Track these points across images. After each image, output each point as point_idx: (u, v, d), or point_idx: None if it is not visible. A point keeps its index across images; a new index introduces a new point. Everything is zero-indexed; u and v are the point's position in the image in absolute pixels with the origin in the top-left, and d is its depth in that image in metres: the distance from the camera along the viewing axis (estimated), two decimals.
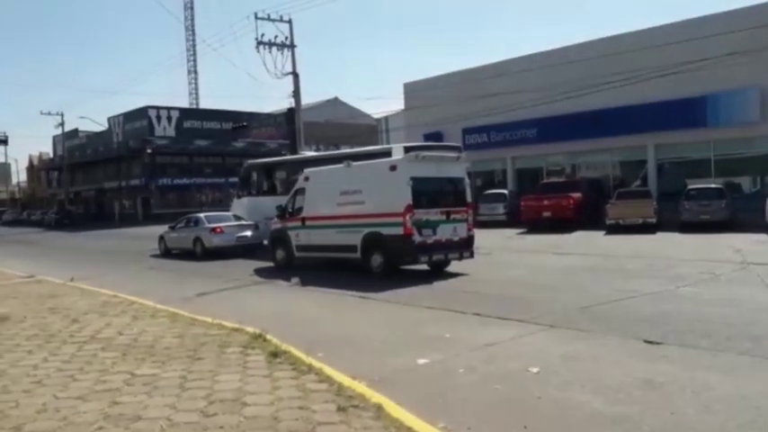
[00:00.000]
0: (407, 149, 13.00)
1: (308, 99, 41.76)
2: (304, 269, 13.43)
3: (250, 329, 6.83)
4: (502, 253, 15.08)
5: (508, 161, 30.08)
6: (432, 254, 11.57)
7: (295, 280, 11.50)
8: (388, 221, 11.51)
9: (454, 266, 12.60)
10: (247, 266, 14.60)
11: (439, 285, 10.56)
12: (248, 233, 17.71)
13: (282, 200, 14.59)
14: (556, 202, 21.44)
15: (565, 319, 7.17)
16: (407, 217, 11.15)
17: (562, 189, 22.22)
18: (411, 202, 11.25)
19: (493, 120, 28.66)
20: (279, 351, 5.81)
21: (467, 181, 12.50)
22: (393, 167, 11.65)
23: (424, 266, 12.24)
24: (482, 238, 15.43)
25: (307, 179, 13.61)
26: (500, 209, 24.63)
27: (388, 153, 13.41)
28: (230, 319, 7.39)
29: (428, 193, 11.77)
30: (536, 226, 21.73)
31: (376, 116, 52.05)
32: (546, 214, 21.52)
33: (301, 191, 13.75)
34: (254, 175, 19.71)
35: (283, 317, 8.20)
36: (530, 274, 11.46)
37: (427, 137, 29.21)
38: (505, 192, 26.11)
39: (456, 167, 12.32)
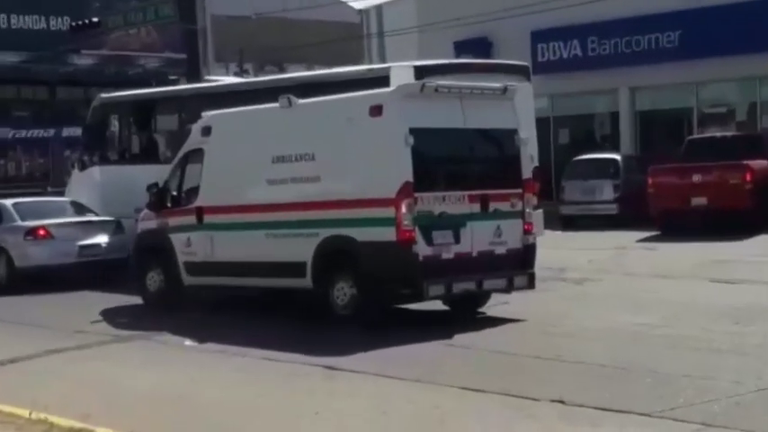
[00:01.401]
0: (419, 72, 12.10)
1: None
2: (208, 311, 12.35)
3: None
4: (607, 278, 13.78)
5: (622, 96, 25.67)
6: (452, 280, 10.11)
7: (190, 343, 10.50)
8: (365, 216, 10.25)
9: (497, 304, 11.11)
10: (100, 304, 13.10)
11: (468, 342, 9.74)
12: (101, 240, 15.97)
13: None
14: (717, 179, 19.05)
15: (731, 414, 6.67)
16: (404, 207, 9.89)
17: (729, 152, 19.56)
18: (411, 179, 9.91)
19: (590, 14, 24.14)
20: None
21: (524, 137, 10.87)
22: (376, 109, 10.11)
23: (437, 304, 10.92)
24: (566, 248, 15.16)
25: (207, 132, 12.15)
26: (606, 191, 22.27)
27: (378, 80, 12.06)
28: (70, 413, 7.21)
29: (445, 160, 10.97)
30: (677, 224, 19.54)
31: (358, 5, 40.84)
32: (698, 201, 19.09)
33: (196, 155, 12.36)
34: (113, 123, 18.80)
35: (172, 412, 7.66)
36: (662, 322, 10.17)
37: (461, 47, 25.94)
38: (616, 158, 23.10)
39: (501, 110, 10.78)
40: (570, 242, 18.38)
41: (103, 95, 19.17)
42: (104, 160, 18.23)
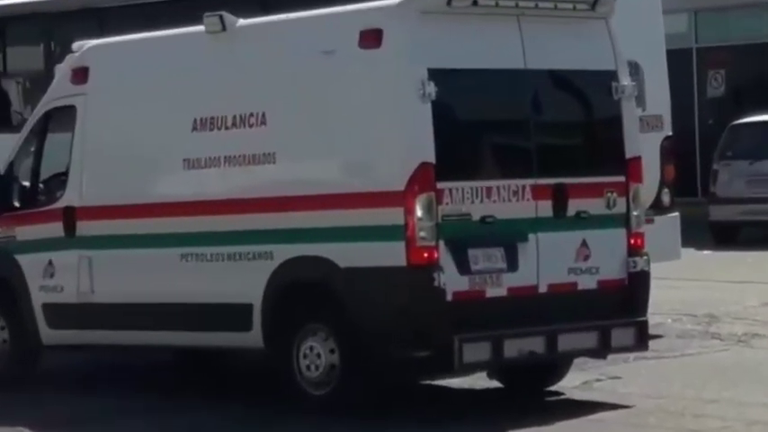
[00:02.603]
0: None
1: None
2: (86, 389, 11.89)
3: None
4: None
5: None
6: (504, 336, 9.72)
7: None
8: (350, 223, 9.90)
9: (594, 379, 11.13)
10: None
11: None
12: None
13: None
14: None
15: None
16: (418, 207, 9.46)
17: None
18: (431, 158, 9.45)
19: None
20: None
21: (626, 84, 10.59)
22: (371, 36, 9.75)
23: (479, 378, 10.90)
24: (721, 281, 15.69)
25: (81, 76, 11.94)
26: None
27: None
28: None
29: (491, 126, 10.49)
30: None
31: None
32: None
33: (63, 118, 12.26)
34: None
35: None
36: None
37: None
38: None
39: (588, 39, 10.65)
40: (728, 269, 18.09)
41: None
42: None
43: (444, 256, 9.30)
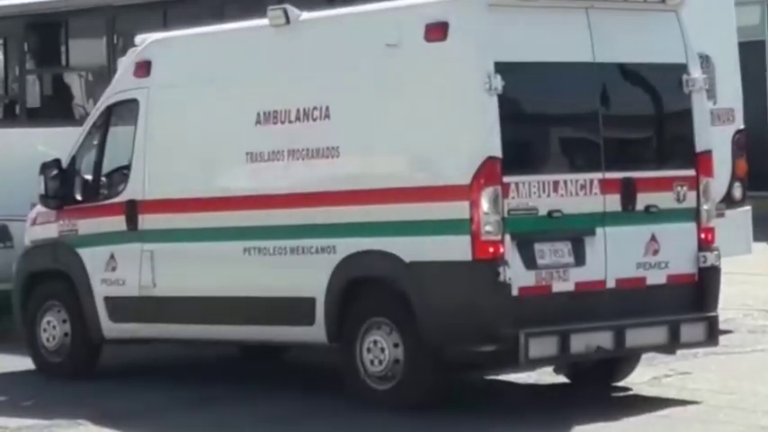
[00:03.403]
0: None
1: None
2: (150, 381, 11.96)
3: None
4: None
5: None
6: (571, 331, 9.70)
7: None
8: (416, 217, 9.90)
9: (662, 375, 11.05)
10: None
11: None
12: None
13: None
14: None
15: None
16: (484, 201, 9.44)
17: None
18: (497, 152, 9.40)
19: None
20: None
21: (696, 77, 10.53)
22: (437, 29, 9.72)
23: (545, 373, 11.00)
24: None
25: (144, 69, 12.06)
26: None
27: None
28: None
29: (559, 119, 10.49)
30: None
31: None
32: None
33: (125, 111, 12.36)
34: None
35: None
36: None
37: None
38: None
39: (658, 31, 10.61)
40: None
41: None
42: None
43: (510, 251, 9.25)
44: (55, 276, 12.53)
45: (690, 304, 10.14)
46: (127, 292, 11.75)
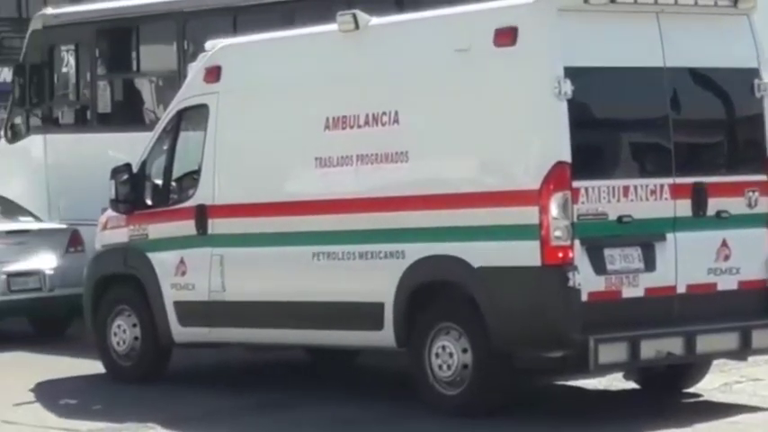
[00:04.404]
0: None
1: None
2: (220, 383, 12.20)
3: None
4: None
5: None
6: (641, 337, 9.67)
7: None
8: (485, 222, 9.87)
9: (736, 381, 11.00)
10: (37, 374, 13.06)
11: None
12: (44, 263, 16.12)
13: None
14: None
15: None
16: (554, 206, 9.45)
17: None
18: (567, 157, 9.41)
19: None
20: None
21: None
22: (506, 34, 9.70)
23: (616, 379, 10.97)
24: None
25: (214, 75, 12.11)
26: None
27: None
28: None
29: (629, 124, 10.42)
30: None
31: None
32: None
33: (195, 117, 12.46)
34: (66, 60, 18.66)
35: None
36: None
37: None
38: None
39: (729, 36, 10.53)
40: None
41: (50, 11, 18.59)
42: (51, 124, 17.86)
43: (580, 256, 9.23)
44: (125, 281, 12.68)
45: (761, 310, 10.01)
46: (196, 296, 11.87)
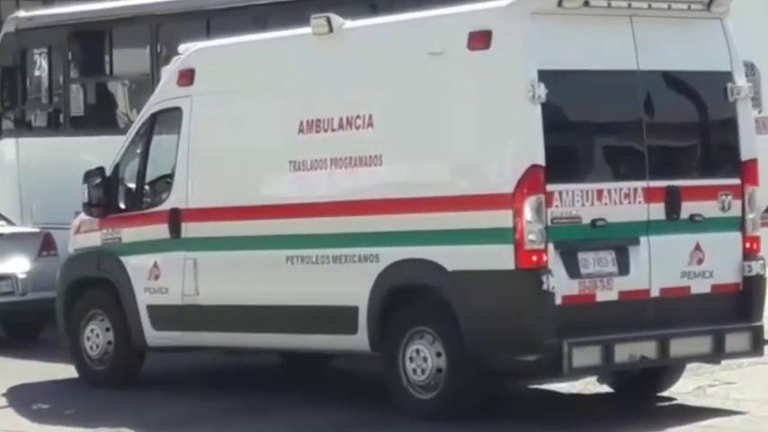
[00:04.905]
0: None
1: None
2: (194, 389, 12.05)
3: None
4: None
5: None
6: (614, 341, 9.68)
7: None
8: (459, 226, 9.86)
9: (710, 384, 11.05)
10: (9, 378, 13.01)
11: None
12: (16, 267, 16.01)
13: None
14: None
15: None
16: (528, 210, 9.43)
17: None
18: (541, 161, 9.41)
19: None
20: None
21: (741, 85, 10.46)
22: (480, 38, 9.66)
23: (589, 383, 10.99)
24: None
25: (187, 78, 12.08)
26: None
27: None
28: None
29: (602, 128, 10.42)
30: None
31: None
32: None
33: (169, 120, 12.40)
34: (39, 63, 18.44)
35: None
36: None
37: None
38: None
39: (702, 40, 10.54)
40: None
41: (22, 14, 18.48)
42: (23, 128, 17.82)
43: (554, 260, 9.22)
44: (98, 284, 12.58)
45: (734, 314, 10.04)
46: (170, 300, 11.78)
